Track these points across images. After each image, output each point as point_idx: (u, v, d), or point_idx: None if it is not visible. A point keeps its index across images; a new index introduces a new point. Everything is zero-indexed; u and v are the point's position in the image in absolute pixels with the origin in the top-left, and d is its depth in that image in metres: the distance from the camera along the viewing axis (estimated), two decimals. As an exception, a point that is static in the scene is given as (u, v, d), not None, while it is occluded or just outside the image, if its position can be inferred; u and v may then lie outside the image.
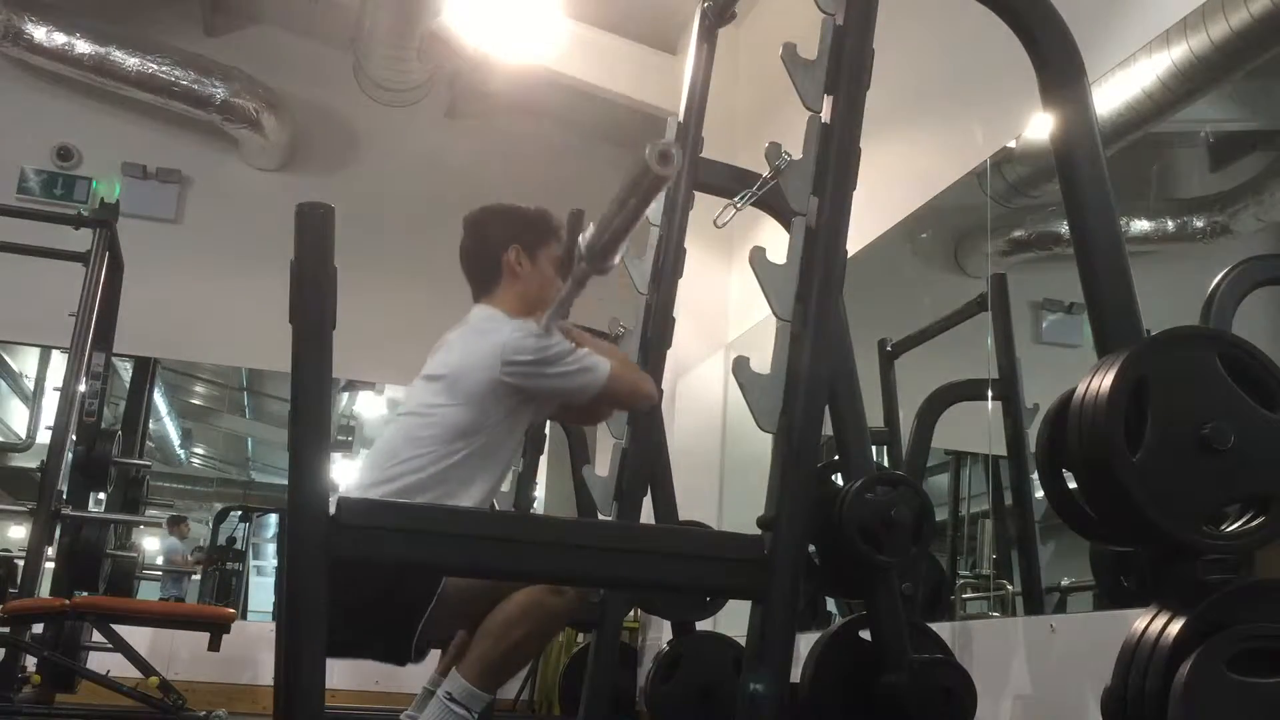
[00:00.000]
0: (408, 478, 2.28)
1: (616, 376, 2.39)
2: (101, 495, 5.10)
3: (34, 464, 4.70)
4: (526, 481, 4.33)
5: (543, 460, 4.55)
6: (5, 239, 4.91)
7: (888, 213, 4.27)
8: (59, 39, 6.03)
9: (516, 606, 2.21)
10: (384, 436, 2.48)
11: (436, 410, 2.35)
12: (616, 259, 1.99)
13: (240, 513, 9.84)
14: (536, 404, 2.44)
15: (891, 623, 2.60)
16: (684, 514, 4.08)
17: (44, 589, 4.56)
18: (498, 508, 4.10)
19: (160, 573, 9.01)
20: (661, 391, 3.06)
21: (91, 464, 4.83)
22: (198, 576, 9.39)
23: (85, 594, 4.40)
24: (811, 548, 2.55)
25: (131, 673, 3.87)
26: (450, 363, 2.39)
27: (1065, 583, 3.69)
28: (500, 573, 1.98)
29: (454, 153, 6.93)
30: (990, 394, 3.65)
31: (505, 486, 4.19)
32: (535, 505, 5.18)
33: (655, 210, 3.02)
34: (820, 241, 1.83)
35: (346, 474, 10.28)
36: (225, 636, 3.91)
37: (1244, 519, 1.89)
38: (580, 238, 1.95)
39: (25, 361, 8.39)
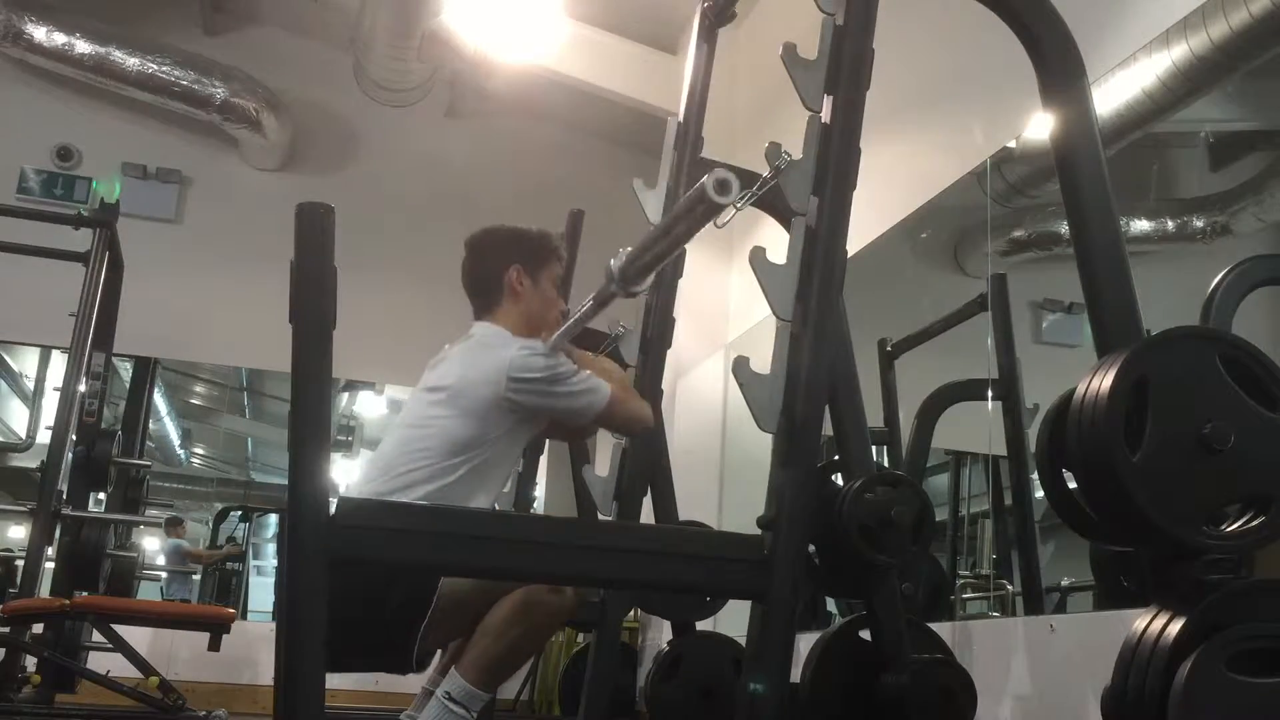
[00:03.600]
0: (405, 493, 2.27)
1: (616, 400, 2.41)
2: (101, 495, 5.10)
3: (34, 464, 4.70)
4: (526, 481, 4.32)
5: (543, 460, 4.55)
6: (5, 239, 4.91)
7: (888, 213, 4.27)
8: (59, 39, 6.03)
9: (515, 605, 2.21)
10: (381, 448, 2.48)
11: (436, 422, 2.35)
12: (648, 283, 1.96)
13: (240, 513, 9.84)
14: (536, 422, 2.45)
15: (891, 623, 2.60)
16: (684, 514, 4.07)
17: (44, 589, 4.56)
18: (498, 508, 4.11)
19: (162, 573, 9.00)
20: (662, 391, 3.06)
21: (91, 464, 4.83)
22: (198, 576, 9.39)
23: (85, 594, 4.40)
24: (811, 548, 2.55)
25: (131, 673, 3.87)
26: (452, 376, 2.40)
27: (1065, 583, 3.69)
28: (500, 573, 1.98)
29: (454, 153, 6.93)
30: (990, 394, 3.65)
31: (506, 487, 4.19)
32: (535, 505, 5.18)
33: (655, 211, 3.02)
34: (820, 241, 1.83)
35: (347, 474, 10.31)
36: (225, 636, 3.90)
37: (1244, 519, 1.89)
38: (611, 262, 1.91)
39: (25, 361, 8.39)
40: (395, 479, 2.30)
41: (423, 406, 2.42)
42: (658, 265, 1.88)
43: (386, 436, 2.49)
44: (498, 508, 3.29)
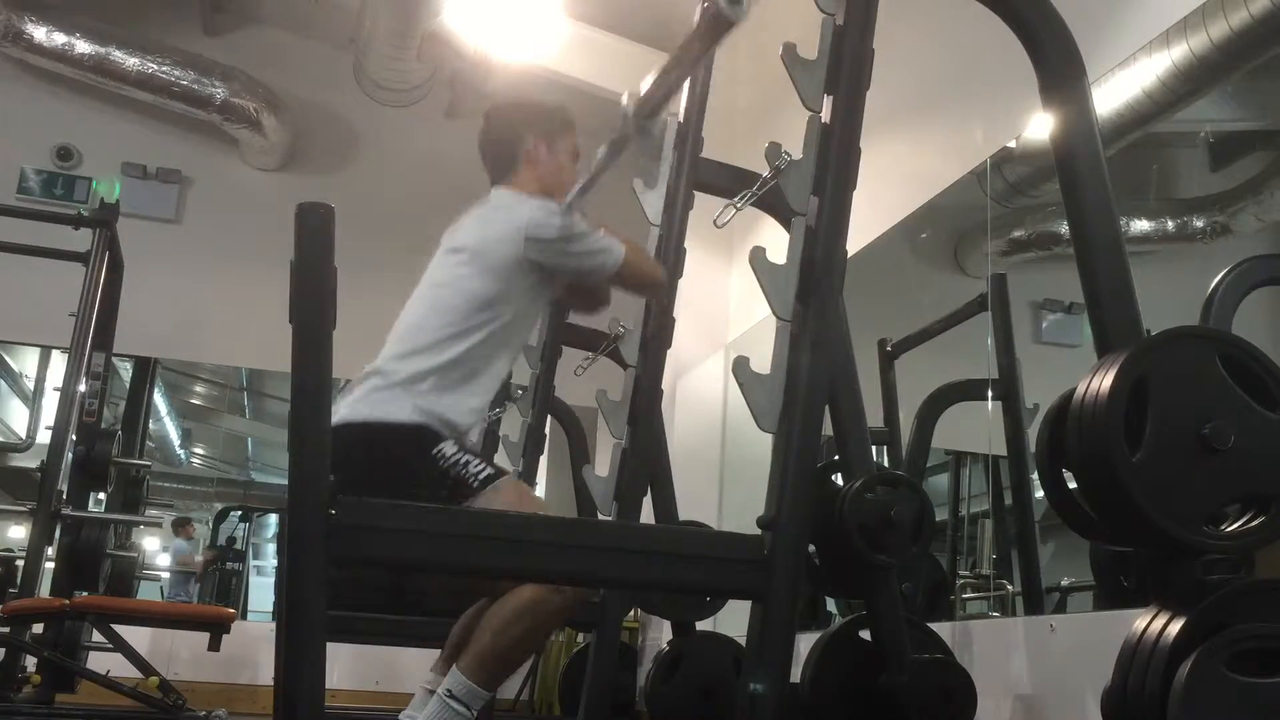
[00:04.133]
0: (432, 353, 2.32)
1: (631, 260, 2.48)
2: (101, 495, 5.09)
3: (34, 464, 4.69)
4: (526, 482, 4.32)
5: (543, 460, 4.55)
6: (5, 239, 4.91)
7: (888, 213, 4.27)
8: (59, 39, 6.02)
9: (516, 603, 2.20)
10: (406, 313, 2.50)
11: (459, 281, 2.40)
12: (662, 122, 1.94)
13: (240, 513, 9.84)
14: (556, 283, 2.50)
15: (891, 623, 2.60)
16: (684, 514, 4.07)
17: (44, 589, 4.56)
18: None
19: (164, 573, 9.00)
20: (661, 392, 3.06)
21: (91, 464, 4.83)
22: (197, 584, 9.38)
23: (85, 594, 4.40)
24: (811, 548, 2.55)
25: (131, 673, 3.87)
26: (472, 237, 2.45)
27: (1065, 583, 3.69)
28: (500, 572, 1.98)
29: (454, 153, 6.89)
30: (990, 394, 3.65)
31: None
32: (535, 505, 5.17)
33: (655, 210, 3.02)
34: (820, 241, 1.83)
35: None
36: (225, 636, 3.90)
37: (1244, 519, 1.89)
38: (623, 100, 1.85)
39: (25, 361, 8.38)
40: (426, 335, 2.35)
41: (445, 267, 2.46)
42: (671, 95, 1.84)
43: (410, 302, 2.51)
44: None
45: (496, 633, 2.19)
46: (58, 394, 4.72)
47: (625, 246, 2.48)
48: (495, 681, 2.23)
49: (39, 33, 5.99)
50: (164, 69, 6.17)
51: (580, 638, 4.86)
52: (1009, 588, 3.72)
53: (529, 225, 2.38)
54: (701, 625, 4.03)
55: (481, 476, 2.27)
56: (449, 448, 2.30)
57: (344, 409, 2.32)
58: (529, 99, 2.75)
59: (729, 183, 2.89)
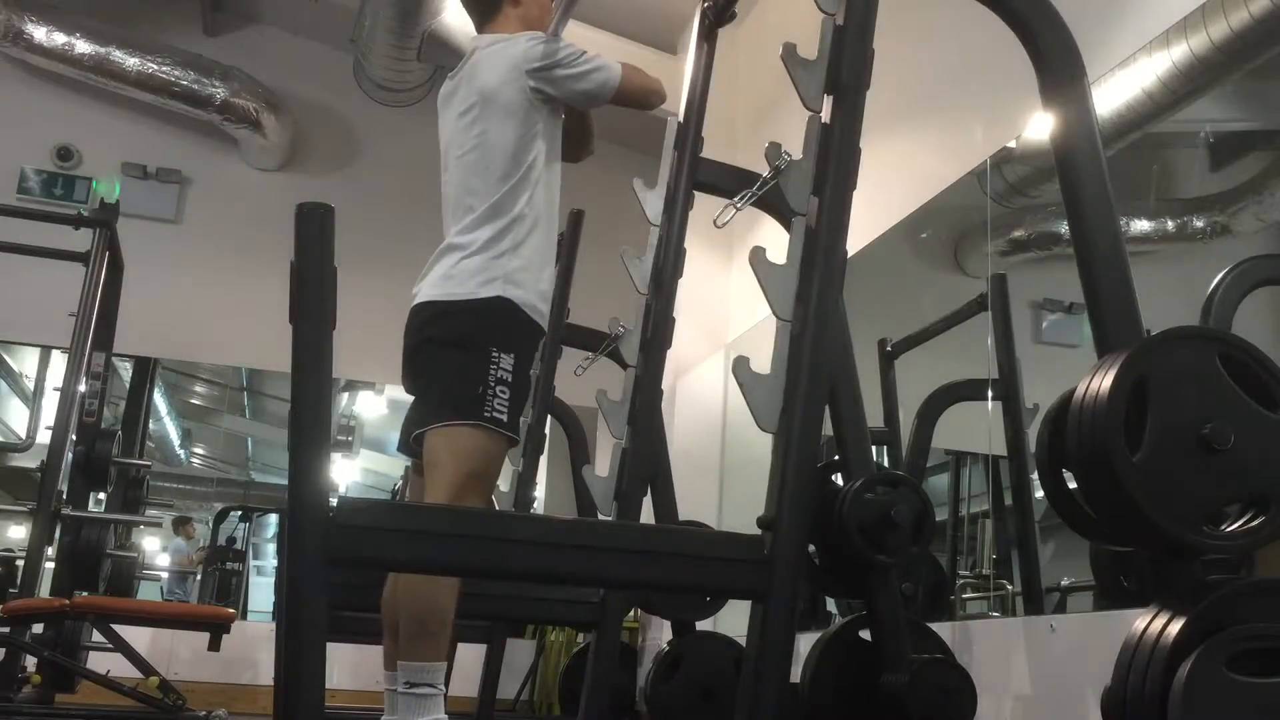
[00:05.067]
0: (495, 214, 2.39)
1: (628, 75, 2.55)
2: (101, 495, 5.09)
3: (34, 464, 4.69)
4: (526, 481, 4.32)
5: (543, 460, 4.55)
6: (5, 239, 4.91)
7: (888, 213, 4.27)
8: (59, 39, 6.03)
9: (401, 591, 2.26)
10: (449, 186, 2.55)
11: (481, 138, 2.45)
12: None
13: (240, 513, 9.83)
14: (568, 115, 2.56)
15: (891, 623, 2.60)
16: (684, 514, 4.07)
17: (44, 589, 4.56)
18: (497, 506, 4.10)
19: (163, 573, 9.00)
20: (661, 392, 3.06)
21: (91, 464, 4.83)
22: (199, 576, 9.38)
23: (85, 594, 4.40)
24: (811, 548, 2.55)
25: (131, 673, 3.87)
26: (474, 92, 2.48)
27: (1065, 583, 3.69)
28: (500, 572, 1.98)
29: (454, 153, 6.93)
30: (990, 394, 3.65)
31: (504, 485, 4.18)
32: (535, 505, 5.18)
33: (655, 210, 3.02)
34: (820, 241, 1.83)
35: (346, 474, 10.31)
36: (225, 636, 3.90)
37: (1244, 519, 1.89)
38: None
39: (25, 361, 8.38)
40: (480, 200, 2.41)
41: (461, 133, 2.50)
42: None
43: (445, 183, 2.57)
44: (497, 505, 3.27)
45: (409, 611, 2.23)
46: (58, 394, 4.72)
47: (619, 63, 2.55)
48: (439, 649, 2.24)
49: (39, 33, 5.99)
50: (164, 69, 6.17)
51: (580, 638, 4.86)
52: (1009, 588, 3.72)
53: (525, 58, 2.43)
54: (701, 625, 4.03)
55: (494, 416, 2.32)
56: (507, 361, 2.35)
57: (425, 287, 2.43)
58: None
59: (729, 183, 2.88)
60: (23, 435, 7.17)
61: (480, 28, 2.66)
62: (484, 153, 2.43)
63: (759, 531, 1.74)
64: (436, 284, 2.41)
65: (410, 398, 2.58)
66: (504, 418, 2.32)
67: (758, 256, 1.83)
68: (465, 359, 2.34)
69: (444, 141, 2.61)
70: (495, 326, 2.36)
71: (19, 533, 7.92)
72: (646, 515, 3.43)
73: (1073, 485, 2.03)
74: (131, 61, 6.13)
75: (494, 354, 2.33)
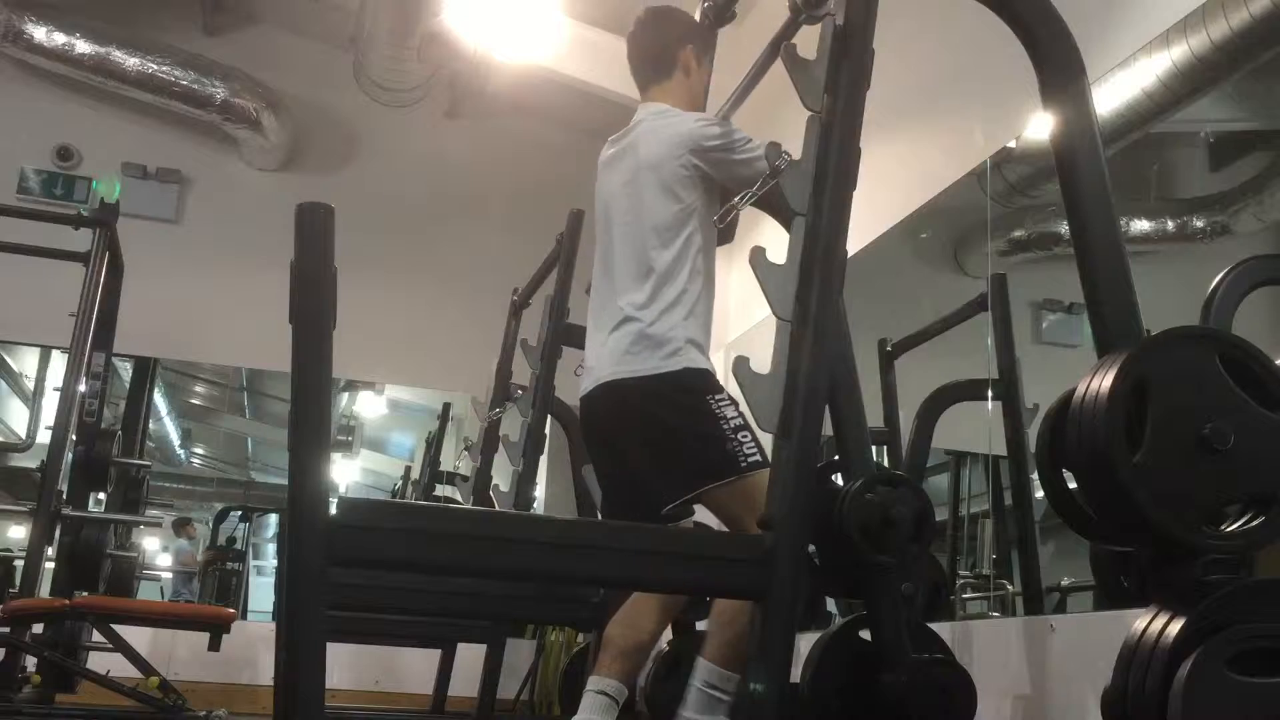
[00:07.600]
0: (665, 281, 2.44)
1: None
2: (101, 495, 5.09)
3: (34, 464, 4.69)
4: (526, 481, 4.32)
5: (543, 460, 4.54)
6: (5, 239, 4.90)
7: (888, 213, 4.27)
8: (59, 39, 6.02)
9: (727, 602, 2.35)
10: (607, 259, 2.59)
11: (641, 206, 2.51)
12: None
13: (240, 513, 9.83)
14: (724, 195, 2.57)
15: (891, 623, 2.60)
16: (684, 514, 4.07)
17: (44, 589, 4.56)
18: (498, 507, 4.10)
19: (165, 574, 9.00)
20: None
21: (91, 464, 4.83)
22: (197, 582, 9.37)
23: (85, 594, 4.40)
24: (811, 548, 2.54)
25: (131, 673, 3.87)
26: (639, 160, 2.54)
27: (1065, 583, 3.69)
28: (500, 572, 1.98)
29: (454, 153, 6.92)
30: (990, 394, 3.65)
31: (505, 486, 4.18)
32: (535, 505, 5.18)
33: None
34: (820, 241, 1.84)
35: (346, 474, 10.31)
36: (225, 636, 3.90)
37: (1244, 519, 1.89)
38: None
39: (25, 361, 8.37)
40: (645, 268, 2.45)
41: (624, 199, 2.56)
42: None
43: (607, 246, 2.61)
44: (498, 505, 3.27)
45: (731, 620, 2.32)
46: (58, 394, 4.72)
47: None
48: (742, 662, 2.30)
49: (39, 33, 5.99)
50: (164, 69, 6.17)
51: (580, 638, 4.86)
52: (1009, 588, 3.72)
53: (692, 136, 2.49)
54: (701, 625, 4.03)
55: (751, 460, 2.35)
56: (730, 409, 2.38)
57: (607, 365, 2.44)
58: (682, 10, 2.80)
59: (729, 183, 2.88)
60: (23, 435, 7.15)
61: (646, 90, 2.71)
62: (644, 218, 2.50)
63: (759, 531, 1.74)
64: (621, 361, 2.44)
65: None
66: (758, 457, 2.37)
67: (758, 256, 1.83)
68: (696, 425, 2.39)
69: (602, 203, 2.68)
70: (697, 382, 2.43)
71: (19, 533, 7.92)
72: (646, 515, 3.42)
73: (1073, 485, 2.03)
74: (131, 61, 6.12)
75: (713, 404, 2.39)
